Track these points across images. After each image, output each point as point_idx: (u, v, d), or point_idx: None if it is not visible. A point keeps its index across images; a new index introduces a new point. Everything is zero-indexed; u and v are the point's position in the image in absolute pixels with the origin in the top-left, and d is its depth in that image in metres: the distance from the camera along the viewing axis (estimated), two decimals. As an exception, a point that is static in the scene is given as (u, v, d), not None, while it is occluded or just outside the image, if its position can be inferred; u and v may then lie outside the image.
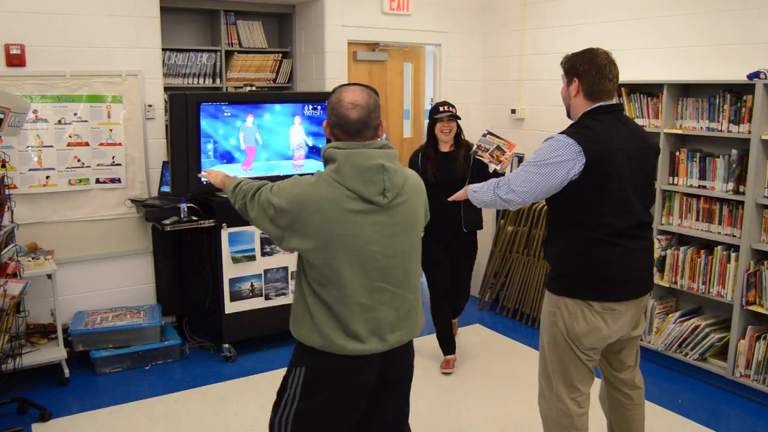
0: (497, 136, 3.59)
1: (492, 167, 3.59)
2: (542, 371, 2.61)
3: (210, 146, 4.17)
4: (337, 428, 2.12)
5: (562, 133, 2.42)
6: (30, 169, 4.16)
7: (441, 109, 3.92)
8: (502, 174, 3.41)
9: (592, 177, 2.34)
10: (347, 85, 2.08)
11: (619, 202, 2.39)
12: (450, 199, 3.02)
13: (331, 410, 2.08)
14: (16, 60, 4.03)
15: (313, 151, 4.59)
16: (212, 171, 2.57)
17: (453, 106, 3.94)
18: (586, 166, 2.33)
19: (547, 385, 2.57)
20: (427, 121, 4.24)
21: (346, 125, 2.00)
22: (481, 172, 3.83)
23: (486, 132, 3.63)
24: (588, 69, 2.44)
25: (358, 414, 2.15)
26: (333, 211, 1.96)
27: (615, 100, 2.53)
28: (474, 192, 2.68)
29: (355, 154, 1.97)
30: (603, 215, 2.38)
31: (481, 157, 3.59)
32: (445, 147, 3.99)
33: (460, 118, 3.97)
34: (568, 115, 2.59)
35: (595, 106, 2.46)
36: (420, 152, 4.05)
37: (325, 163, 2.05)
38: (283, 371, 2.22)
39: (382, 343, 2.06)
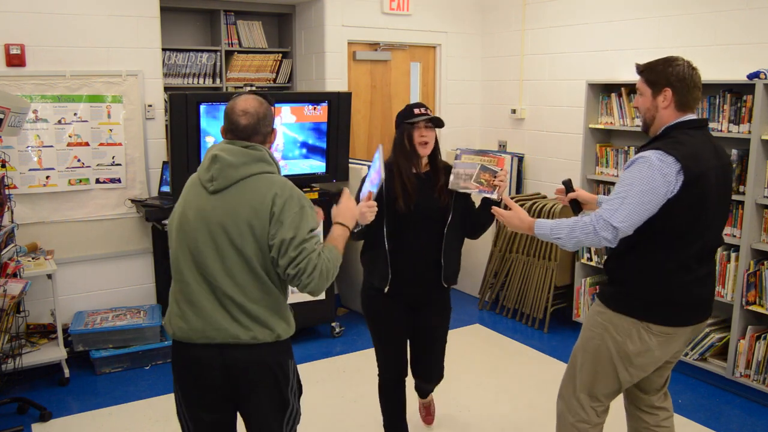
0: (477, 153, 2.78)
1: (483, 197, 2.77)
2: (569, 376, 2.57)
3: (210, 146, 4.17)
4: (210, 416, 2.20)
5: (655, 149, 2.23)
6: (30, 169, 4.16)
7: (417, 111, 2.76)
8: (499, 201, 2.75)
9: (688, 197, 2.21)
10: (243, 94, 2.22)
11: (707, 223, 2.29)
12: (503, 220, 2.48)
13: (194, 401, 2.19)
14: (16, 60, 4.03)
15: (312, 151, 4.59)
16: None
17: (429, 111, 2.80)
18: (684, 185, 2.18)
19: (571, 389, 2.54)
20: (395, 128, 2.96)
21: (236, 130, 2.15)
22: (468, 202, 2.90)
23: (458, 152, 2.74)
24: (682, 78, 2.28)
25: (223, 406, 2.20)
26: (185, 195, 2.18)
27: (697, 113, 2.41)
28: (558, 232, 2.34)
29: (212, 147, 2.17)
30: (692, 236, 2.28)
31: (467, 188, 2.74)
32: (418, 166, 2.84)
33: (442, 125, 2.79)
34: (646, 129, 2.41)
35: (686, 119, 2.31)
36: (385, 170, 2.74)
37: None
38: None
39: (205, 334, 2.08)
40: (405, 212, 2.73)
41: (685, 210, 2.23)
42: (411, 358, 3.05)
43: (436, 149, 2.83)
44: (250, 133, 2.14)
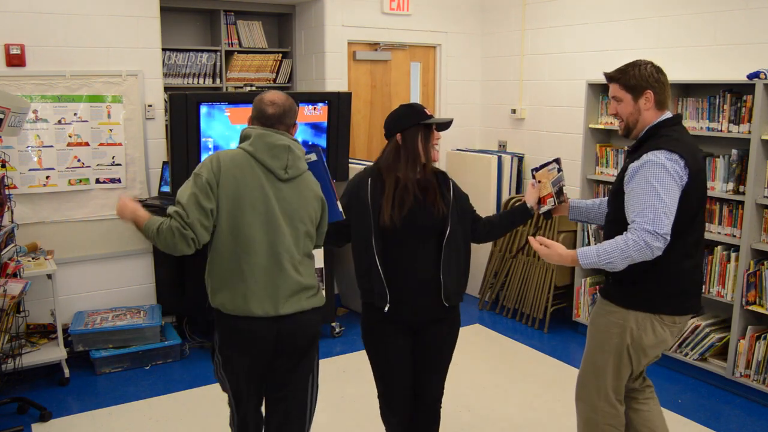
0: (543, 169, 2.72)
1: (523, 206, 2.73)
2: (591, 379, 2.58)
3: (210, 146, 4.17)
4: (250, 382, 2.46)
5: (657, 149, 2.30)
6: (30, 169, 4.16)
7: (428, 111, 2.50)
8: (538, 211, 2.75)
9: (692, 190, 2.32)
10: (272, 89, 2.49)
11: (701, 215, 2.44)
12: (543, 256, 2.44)
13: (240, 367, 2.42)
14: (16, 60, 4.03)
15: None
16: (126, 204, 2.36)
17: None
18: (690, 178, 2.30)
19: (595, 392, 2.56)
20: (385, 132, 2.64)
21: (262, 117, 2.40)
22: (471, 213, 2.65)
23: (555, 161, 2.72)
24: (657, 78, 2.40)
25: (269, 373, 2.47)
26: (243, 176, 2.31)
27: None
28: (607, 257, 2.29)
29: (267, 134, 2.37)
30: (693, 226, 2.39)
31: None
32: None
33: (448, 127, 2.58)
34: (628, 133, 2.47)
35: (665, 117, 2.41)
36: (369, 179, 2.52)
37: (241, 141, 2.42)
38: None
39: (274, 308, 2.32)
40: (389, 226, 2.44)
41: (689, 202, 2.33)
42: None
43: None
44: (275, 121, 2.39)
